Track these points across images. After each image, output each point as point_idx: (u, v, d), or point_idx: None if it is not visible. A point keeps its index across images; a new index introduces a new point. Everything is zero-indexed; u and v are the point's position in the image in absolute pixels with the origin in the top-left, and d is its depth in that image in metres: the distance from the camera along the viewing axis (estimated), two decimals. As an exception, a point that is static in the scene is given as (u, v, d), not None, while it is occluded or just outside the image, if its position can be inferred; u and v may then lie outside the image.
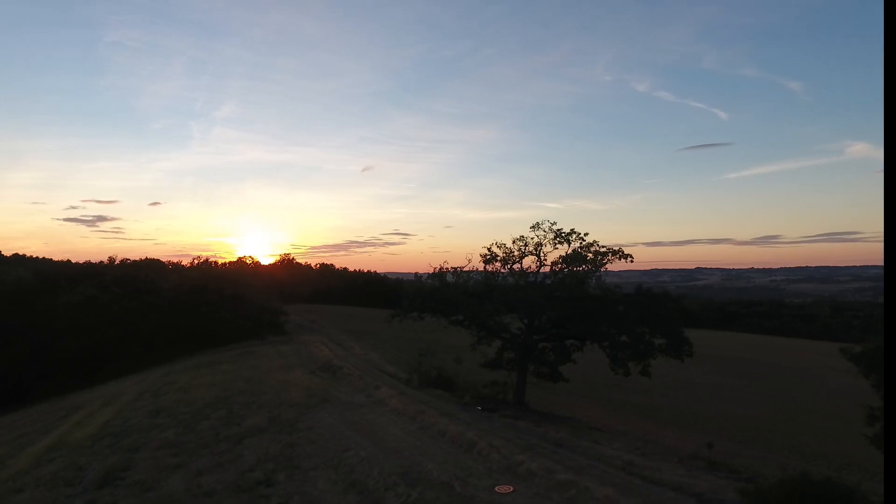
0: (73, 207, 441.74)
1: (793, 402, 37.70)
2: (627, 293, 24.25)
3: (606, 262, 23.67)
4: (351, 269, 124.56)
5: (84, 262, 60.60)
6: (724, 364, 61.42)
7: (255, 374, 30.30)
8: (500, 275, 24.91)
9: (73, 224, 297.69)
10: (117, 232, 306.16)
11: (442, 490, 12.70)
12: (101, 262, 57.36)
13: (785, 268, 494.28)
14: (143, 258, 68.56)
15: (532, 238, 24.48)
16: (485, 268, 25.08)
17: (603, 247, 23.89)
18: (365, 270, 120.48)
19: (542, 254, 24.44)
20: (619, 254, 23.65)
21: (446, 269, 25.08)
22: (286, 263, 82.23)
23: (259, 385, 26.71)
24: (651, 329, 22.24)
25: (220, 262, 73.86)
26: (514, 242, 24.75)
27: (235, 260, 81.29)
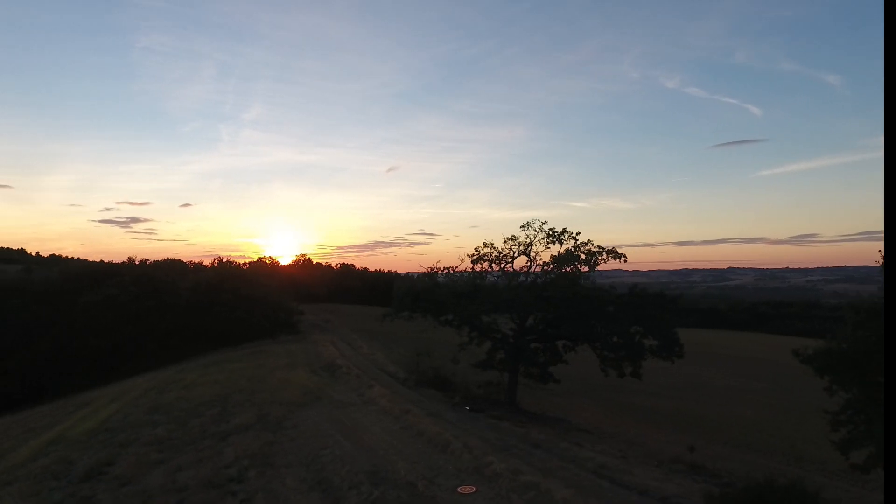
0: (108, 209, 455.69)
1: (806, 406, 36.62)
2: (620, 293, 23.89)
3: (600, 262, 23.41)
4: (377, 269, 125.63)
5: (107, 262, 62.32)
6: (746, 365, 60.06)
7: (259, 372, 30.79)
8: (489, 274, 24.83)
9: (108, 225, 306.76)
10: (150, 233, 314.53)
11: (404, 489, 12.75)
12: (123, 262, 58.98)
13: (822, 267, 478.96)
14: (166, 259, 70.19)
15: (524, 238, 24.36)
16: (472, 268, 25.03)
17: (598, 246, 23.65)
18: (386, 270, 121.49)
19: (531, 253, 24.32)
20: (613, 253, 23.37)
21: (438, 269, 25.10)
22: (303, 263, 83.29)
23: (259, 383, 27.14)
24: (644, 330, 21.88)
25: (240, 263, 75.11)
26: (505, 242, 24.69)
27: (255, 260, 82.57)
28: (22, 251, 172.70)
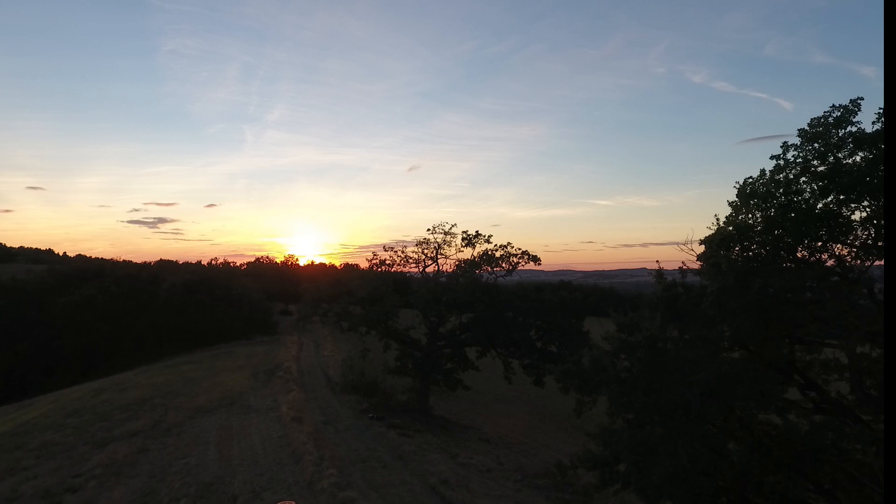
0: (136, 210, 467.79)
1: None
2: (523, 297, 23.05)
3: (519, 265, 22.77)
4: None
5: (98, 257, 63.55)
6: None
7: (202, 374, 30.98)
8: (390, 278, 24.35)
9: (136, 226, 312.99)
10: (177, 233, 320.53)
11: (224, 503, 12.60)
12: (109, 260, 59.90)
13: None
14: (159, 259, 71.24)
15: (434, 241, 23.85)
16: (374, 270, 24.58)
17: (518, 249, 23.05)
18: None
19: (439, 257, 23.79)
20: (528, 256, 22.71)
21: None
22: (293, 264, 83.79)
23: (191, 386, 27.26)
24: (544, 336, 21.21)
25: (228, 263, 76.01)
26: (417, 245, 24.21)
27: (254, 261, 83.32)
28: (50, 251, 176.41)
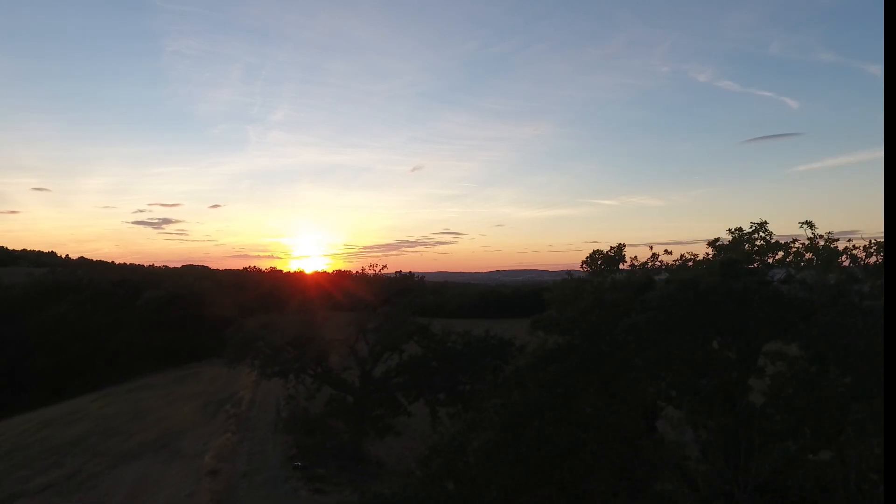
0: (141, 211, 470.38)
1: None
2: (449, 345, 22.53)
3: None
4: (404, 270, 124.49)
5: (100, 260, 63.55)
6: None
7: (155, 404, 30.73)
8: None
9: (141, 227, 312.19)
10: (181, 234, 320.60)
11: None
12: (100, 266, 59.77)
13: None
14: (150, 264, 71.27)
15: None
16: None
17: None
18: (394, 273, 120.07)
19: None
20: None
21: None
22: (280, 272, 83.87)
23: (136, 422, 27.00)
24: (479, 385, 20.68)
25: (225, 268, 75.88)
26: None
27: (242, 270, 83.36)
28: (52, 254, 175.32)
